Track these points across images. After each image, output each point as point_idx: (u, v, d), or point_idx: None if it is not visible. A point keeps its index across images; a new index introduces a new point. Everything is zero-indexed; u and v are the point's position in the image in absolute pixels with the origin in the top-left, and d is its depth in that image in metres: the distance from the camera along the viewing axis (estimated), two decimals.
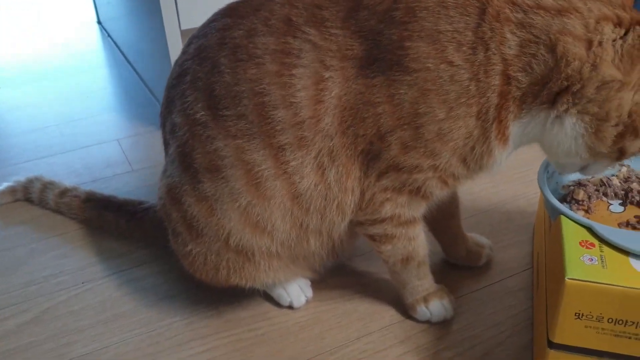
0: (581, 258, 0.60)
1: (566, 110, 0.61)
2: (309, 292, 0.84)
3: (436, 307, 0.79)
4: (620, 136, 0.61)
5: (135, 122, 1.37)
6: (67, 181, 1.07)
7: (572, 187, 0.75)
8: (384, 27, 0.63)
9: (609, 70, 0.58)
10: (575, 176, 0.77)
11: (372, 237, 0.75)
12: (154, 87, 1.48)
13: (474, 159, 0.65)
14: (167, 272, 0.90)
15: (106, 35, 1.93)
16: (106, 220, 0.98)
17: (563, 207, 0.68)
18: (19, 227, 1.02)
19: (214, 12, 0.74)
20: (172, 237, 0.78)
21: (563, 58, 0.58)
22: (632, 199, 0.73)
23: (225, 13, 0.72)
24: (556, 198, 0.71)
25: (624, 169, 0.78)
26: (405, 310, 0.81)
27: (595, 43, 0.58)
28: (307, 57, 0.65)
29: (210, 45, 0.70)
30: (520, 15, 0.59)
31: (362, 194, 0.70)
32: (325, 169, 0.68)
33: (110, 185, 1.13)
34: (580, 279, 0.58)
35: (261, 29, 0.67)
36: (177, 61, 0.77)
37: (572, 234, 0.64)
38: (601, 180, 0.75)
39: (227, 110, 0.68)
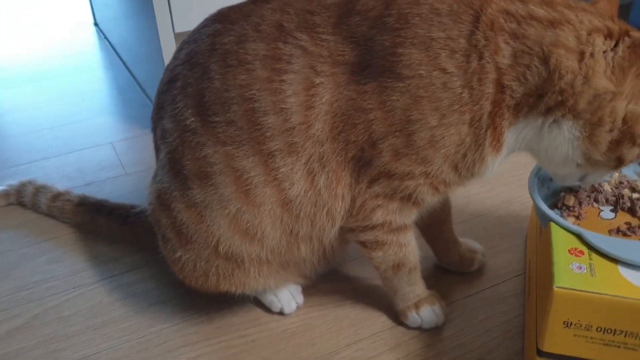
0: (570, 266, 0.60)
1: (563, 116, 0.61)
2: (300, 298, 0.84)
3: (427, 313, 0.78)
4: (617, 143, 0.62)
5: (129, 125, 1.36)
6: (61, 184, 1.06)
7: (562, 193, 0.75)
8: (376, 33, 0.63)
9: (601, 82, 0.58)
10: None
11: (363, 244, 0.74)
12: (148, 89, 1.47)
13: (466, 166, 0.65)
14: (159, 277, 0.89)
15: (102, 36, 1.93)
16: (98, 225, 0.98)
17: (553, 214, 0.68)
18: (10, 231, 1.02)
19: (206, 17, 0.74)
20: (161, 243, 0.78)
21: (556, 71, 0.59)
22: (623, 205, 0.72)
23: (216, 19, 0.72)
24: (548, 204, 0.71)
25: (616, 175, 0.77)
26: (396, 316, 0.80)
27: (587, 55, 0.58)
28: (298, 63, 0.65)
29: (200, 50, 0.70)
30: (514, 26, 0.60)
31: (353, 200, 0.69)
32: (315, 175, 0.67)
33: (104, 188, 1.12)
34: (569, 287, 0.58)
35: (252, 34, 0.67)
36: (168, 66, 0.76)
37: (561, 242, 0.64)
38: (593, 186, 0.75)
39: (217, 116, 0.67)
